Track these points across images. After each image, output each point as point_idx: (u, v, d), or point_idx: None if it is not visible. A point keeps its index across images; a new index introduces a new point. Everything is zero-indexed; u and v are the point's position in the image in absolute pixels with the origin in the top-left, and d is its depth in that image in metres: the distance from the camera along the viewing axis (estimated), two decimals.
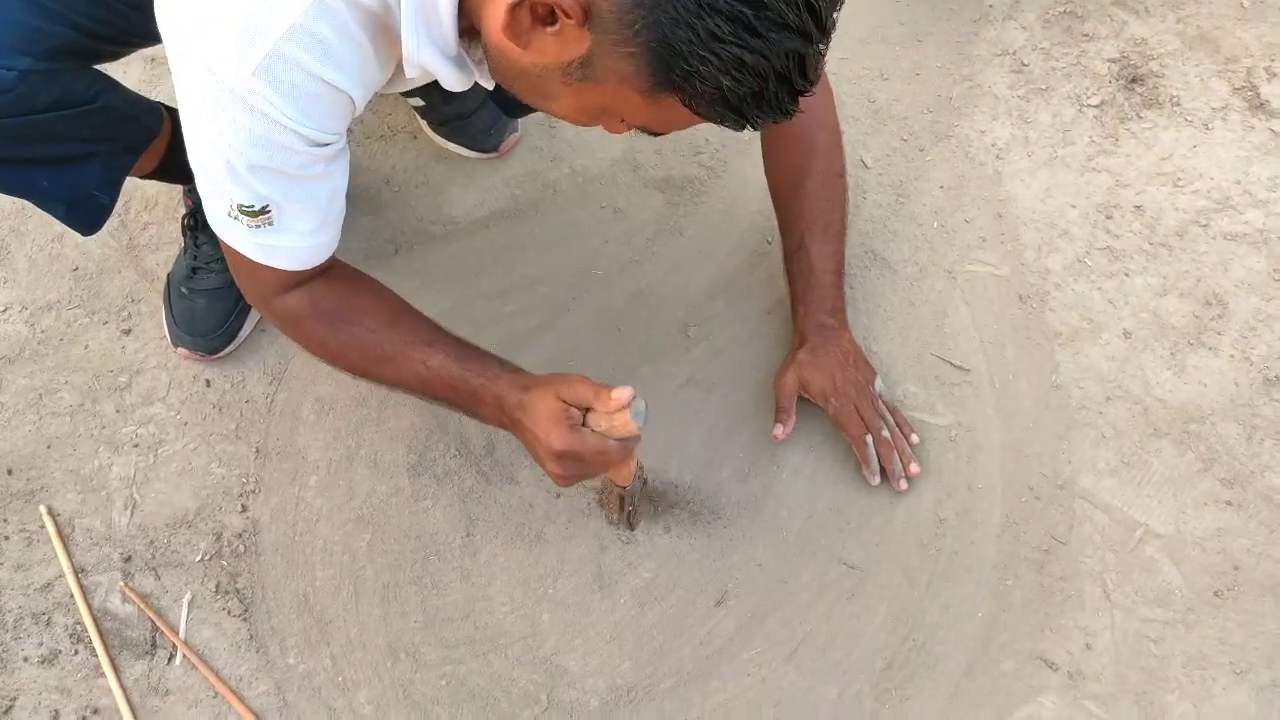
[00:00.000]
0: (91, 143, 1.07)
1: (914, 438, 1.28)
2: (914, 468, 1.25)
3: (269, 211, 0.92)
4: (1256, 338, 1.36)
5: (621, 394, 0.94)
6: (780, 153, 1.27)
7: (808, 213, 1.26)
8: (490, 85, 0.93)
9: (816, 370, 1.25)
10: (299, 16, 0.80)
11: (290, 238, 0.96)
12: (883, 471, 1.25)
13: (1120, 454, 1.29)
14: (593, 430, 0.95)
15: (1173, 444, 1.29)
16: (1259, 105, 1.54)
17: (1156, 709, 1.15)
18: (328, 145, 0.91)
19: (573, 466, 0.97)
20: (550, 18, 0.76)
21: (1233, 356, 1.35)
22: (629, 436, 0.95)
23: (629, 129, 0.87)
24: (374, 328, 1.05)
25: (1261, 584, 1.21)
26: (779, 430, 1.26)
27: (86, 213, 1.13)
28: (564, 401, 0.96)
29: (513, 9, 0.76)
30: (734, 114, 0.77)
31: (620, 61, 0.76)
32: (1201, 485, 1.27)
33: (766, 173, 1.30)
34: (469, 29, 0.86)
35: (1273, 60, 1.57)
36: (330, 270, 1.05)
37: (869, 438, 1.25)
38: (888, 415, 1.27)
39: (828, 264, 1.27)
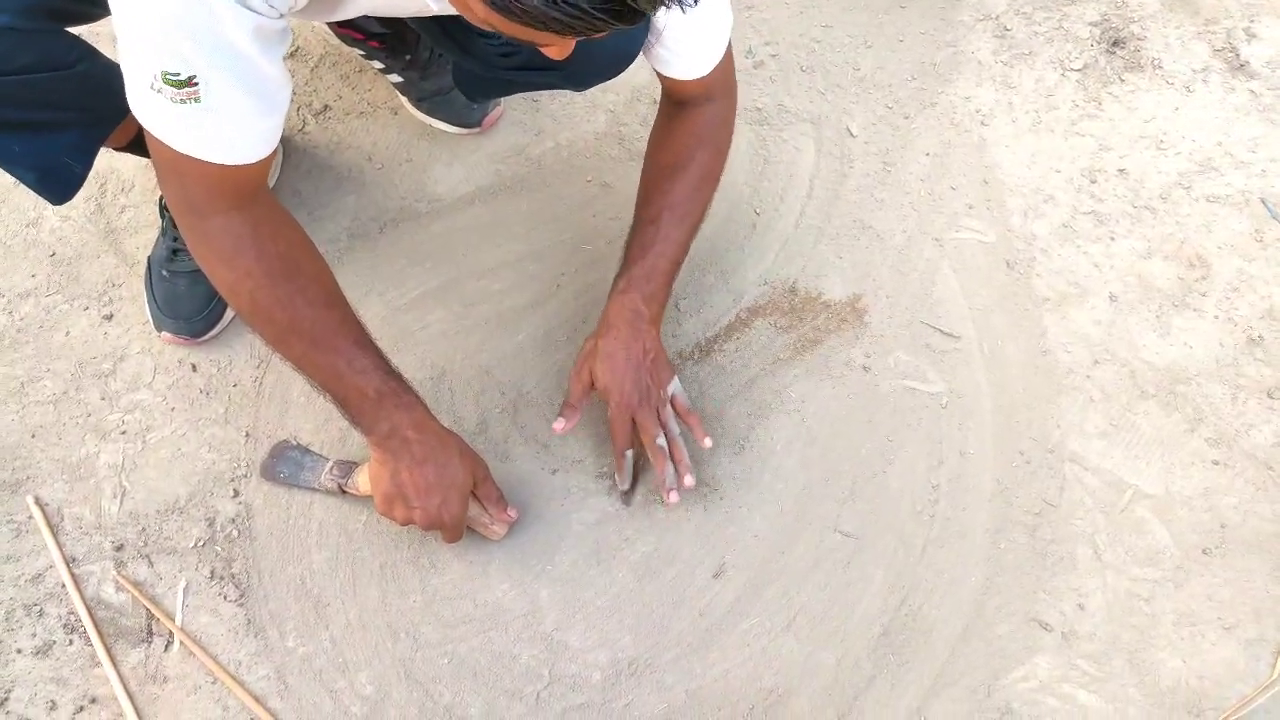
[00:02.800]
0: (67, 110, 1.04)
1: (707, 442, 1.22)
2: (688, 480, 1.20)
3: (196, 84, 0.84)
4: (1240, 298, 1.38)
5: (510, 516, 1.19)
6: (671, 135, 1.22)
7: (674, 195, 1.20)
8: (440, 9, 0.88)
9: (609, 367, 1.18)
10: None
11: (220, 121, 0.87)
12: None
13: (1109, 417, 1.30)
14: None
15: (1160, 405, 1.31)
16: (1239, 66, 1.54)
17: (1148, 665, 1.17)
18: (260, 15, 0.84)
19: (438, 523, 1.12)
20: None
21: (1217, 317, 1.37)
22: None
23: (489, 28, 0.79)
24: (313, 299, 1.01)
25: (1248, 541, 1.23)
26: (560, 424, 1.21)
27: (58, 181, 1.10)
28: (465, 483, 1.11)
29: None
30: (538, 23, 0.71)
31: None
32: (1189, 445, 1.29)
33: (650, 147, 1.25)
34: None
35: (1252, 21, 1.57)
36: (274, 205, 0.99)
37: (630, 452, 1.21)
38: (671, 424, 1.21)
39: (670, 250, 1.20)
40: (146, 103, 0.87)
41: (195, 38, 0.82)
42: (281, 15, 0.87)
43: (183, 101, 0.85)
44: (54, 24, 0.98)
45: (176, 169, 0.92)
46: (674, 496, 1.20)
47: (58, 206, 1.18)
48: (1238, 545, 1.23)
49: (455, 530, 1.14)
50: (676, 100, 1.21)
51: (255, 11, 0.84)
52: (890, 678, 1.16)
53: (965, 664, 1.17)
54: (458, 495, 1.11)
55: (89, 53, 1.04)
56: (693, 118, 1.21)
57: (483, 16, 0.76)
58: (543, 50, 0.84)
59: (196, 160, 0.90)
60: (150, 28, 0.82)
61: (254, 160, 0.93)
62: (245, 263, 0.97)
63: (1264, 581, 1.21)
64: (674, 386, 1.23)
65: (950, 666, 1.17)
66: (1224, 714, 1.14)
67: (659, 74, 1.16)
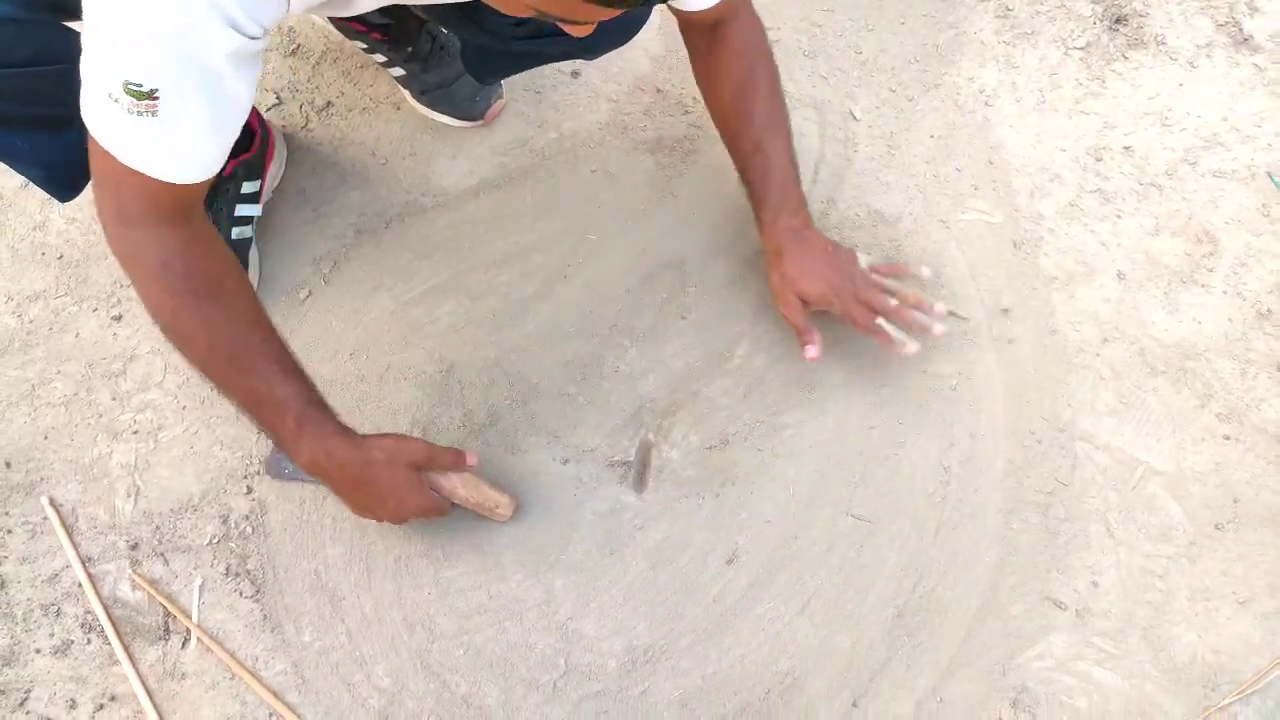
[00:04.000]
0: (70, 105, 1.04)
1: (925, 271, 1.29)
2: (939, 307, 1.25)
3: (156, 98, 0.83)
4: (1248, 273, 1.37)
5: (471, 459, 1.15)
6: (724, 58, 1.24)
7: (760, 114, 1.24)
8: None
9: (807, 280, 1.23)
10: None
11: (174, 137, 0.86)
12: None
13: (1119, 394, 1.30)
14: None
15: (1170, 382, 1.31)
16: (1243, 40, 1.54)
17: (1164, 641, 1.17)
18: (245, 36, 0.83)
19: (412, 516, 1.14)
20: None
21: (1225, 293, 1.36)
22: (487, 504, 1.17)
23: (532, 11, 0.80)
24: (234, 319, 0.99)
25: (1261, 515, 1.23)
26: (811, 351, 1.24)
27: (65, 178, 1.10)
28: (414, 471, 1.11)
29: None
30: None
31: None
32: (1199, 421, 1.28)
33: (706, 80, 1.27)
34: None
35: None
36: (204, 224, 0.97)
37: (879, 321, 1.23)
38: (887, 283, 1.26)
39: (785, 160, 1.25)
40: (100, 111, 0.85)
41: (170, 51, 0.81)
42: (266, 34, 0.86)
43: (139, 114, 0.84)
44: (53, 16, 0.98)
45: (116, 179, 0.90)
46: (938, 328, 1.24)
47: (64, 204, 1.17)
48: (1250, 520, 1.23)
49: (427, 514, 1.15)
50: (703, 34, 1.24)
51: (241, 33, 0.83)
52: (906, 659, 1.16)
53: (981, 644, 1.17)
54: (403, 495, 1.11)
55: None
56: (727, 42, 1.22)
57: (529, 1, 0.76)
58: (566, 28, 0.83)
59: (140, 174, 0.88)
60: (124, 35, 0.81)
61: (197, 180, 0.91)
62: (171, 281, 0.95)
63: (1277, 555, 1.21)
64: (863, 258, 1.27)
65: (966, 647, 1.17)
66: (1240, 687, 1.14)
67: (677, 12, 1.18)
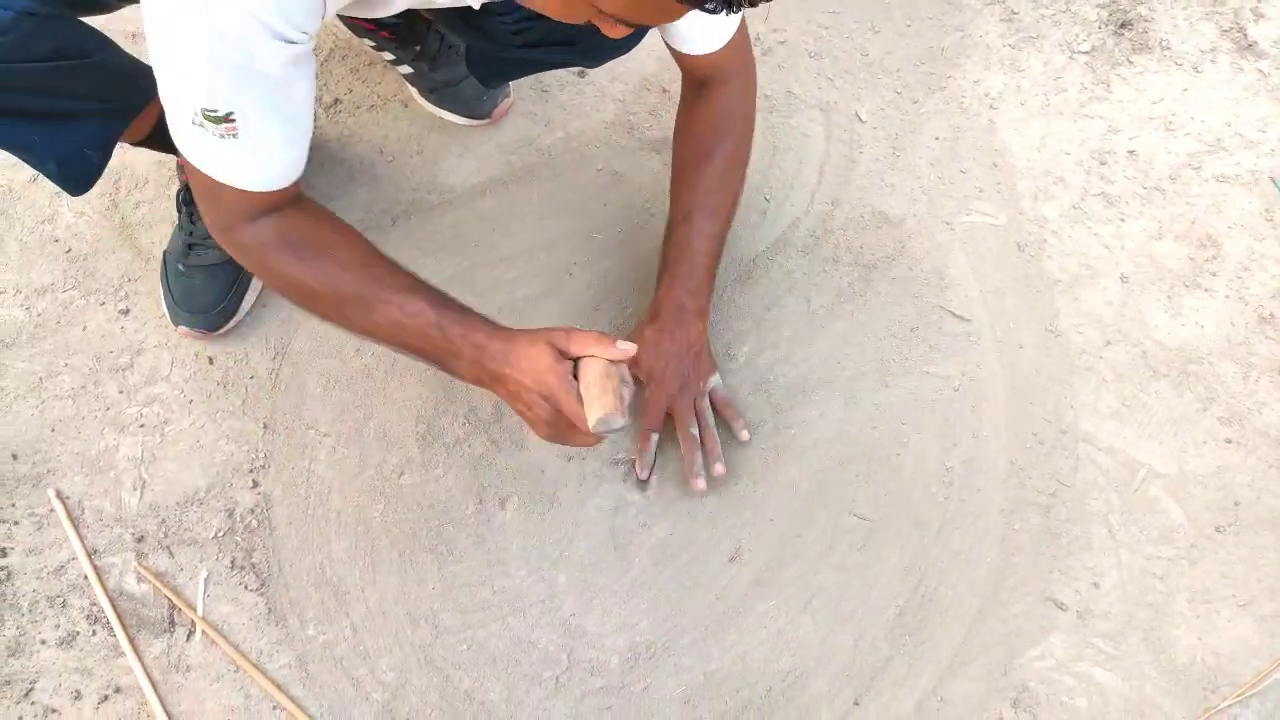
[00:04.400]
0: (86, 100, 1.05)
1: (744, 434, 1.25)
2: (718, 468, 1.22)
3: (234, 120, 0.88)
4: (1251, 277, 1.38)
5: (627, 348, 0.97)
6: (694, 126, 1.25)
7: (702, 190, 1.23)
8: (477, 5, 0.91)
9: (654, 352, 1.22)
10: None
11: (257, 152, 0.92)
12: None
13: (1121, 397, 1.31)
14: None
15: (1172, 385, 1.31)
16: (1247, 46, 1.54)
17: (1164, 643, 1.18)
18: (294, 44, 0.86)
19: (562, 418, 0.98)
20: None
21: (1228, 297, 1.37)
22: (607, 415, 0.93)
23: (605, 19, 0.84)
24: (347, 265, 1.01)
25: (1262, 518, 1.24)
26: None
27: (78, 172, 1.10)
28: (555, 354, 0.97)
29: None
30: None
31: None
32: (1201, 424, 1.29)
33: (676, 133, 1.27)
34: None
35: (1260, 1, 1.57)
36: (300, 201, 1.01)
37: (655, 436, 1.23)
38: (707, 414, 1.24)
39: (707, 245, 1.23)
40: (188, 136, 0.91)
41: (232, 74, 0.86)
42: (310, 36, 0.89)
43: (222, 136, 0.89)
44: (71, 11, 0.99)
45: (214, 194, 0.95)
46: (700, 484, 1.22)
47: (76, 197, 1.18)
48: (1251, 523, 1.23)
49: (563, 394, 0.98)
50: (694, 82, 1.23)
51: (290, 42, 0.86)
52: (907, 658, 1.17)
53: (981, 644, 1.18)
54: (552, 393, 0.98)
55: (105, 43, 1.05)
56: (712, 104, 1.22)
57: (621, 7, 0.79)
58: (604, 29, 0.85)
59: (234, 188, 0.94)
60: (188, 65, 0.85)
61: (286, 185, 0.97)
62: (280, 257, 1.00)
63: (1278, 558, 1.21)
64: (714, 380, 1.26)
65: (967, 646, 1.17)
66: (1240, 690, 1.15)
67: (674, 51, 1.17)
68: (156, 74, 0.89)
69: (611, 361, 0.97)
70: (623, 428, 0.95)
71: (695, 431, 1.22)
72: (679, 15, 0.80)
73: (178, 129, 0.91)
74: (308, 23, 0.87)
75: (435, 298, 1.02)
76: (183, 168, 1.33)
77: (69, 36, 0.99)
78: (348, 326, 1.04)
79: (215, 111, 0.87)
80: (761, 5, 0.77)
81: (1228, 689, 1.15)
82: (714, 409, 1.25)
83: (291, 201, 1.00)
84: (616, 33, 0.86)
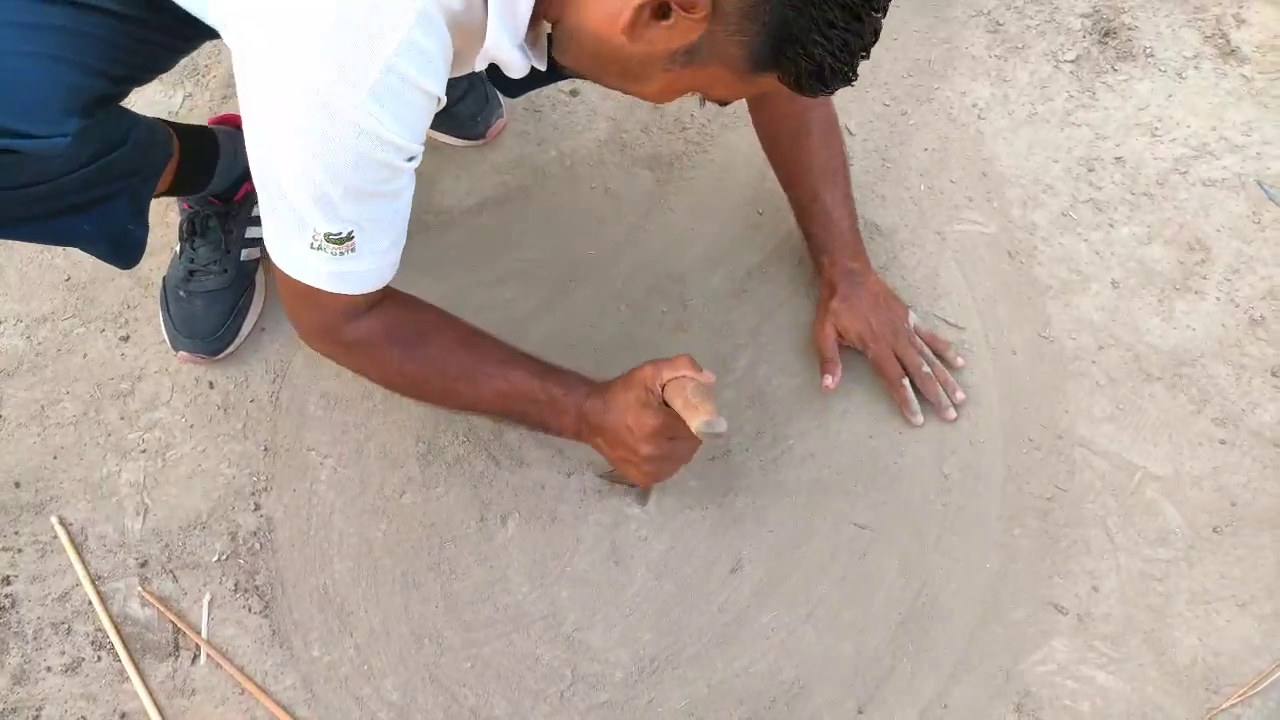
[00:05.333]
0: (121, 179, 1.07)
1: (959, 360, 1.31)
2: (959, 395, 1.29)
3: (353, 238, 0.92)
4: (1240, 279, 1.39)
5: (707, 376, 1.03)
6: (776, 110, 1.28)
7: (815, 163, 1.28)
8: (544, 67, 0.95)
9: (851, 317, 1.28)
10: (406, 31, 0.80)
11: (368, 260, 0.96)
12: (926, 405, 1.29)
13: (1115, 400, 1.32)
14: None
15: (1165, 388, 1.32)
16: (1230, 52, 1.56)
17: (1164, 644, 1.18)
18: (415, 158, 0.91)
19: (664, 446, 1.04)
20: (664, 11, 0.80)
21: (1218, 299, 1.38)
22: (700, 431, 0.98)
23: (702, 103, 0.93)
24: (449, 347, 1.07)
25: (1259, 518, 1.24)
26: (828, 380, 1.28)
27: (126, 247, 1.13)
28: (645, 388, 1.03)
29: (640, 8, 0.79)
30: (822, 86, 0.83)
31: (732, 47, 0.82)
32: (1196, 426, 1.30)
33: (761, 127, 1.31)
34: (534, 16, 0.87)
35: (1241, 7, 1.59)
36: (392, 292, 1.05)
37: (905, 380, 1.28)
38: (925, 349, 1.30)
39: (842, 210, 1.29)
40: (303, 259, 0.93)
41: (362, 199, 0.89)
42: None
43: (340, 255, 0.93)
44: (109, 110, 1.00)
45: (314, 300, 0.98)
46: (952, 413, 1.28)
47: (127, 270, 1.20)
48: (1248, 523, 1.24)
49: (689, 452, 1.12)
50: None
51: (417, 158, 0.90)
52: (910, 666, 1.17)
53: (984, 650, 1.18)
54: (656, 436, 1.05)
55: (133, 121, 1.07)
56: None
57: (735, 92, 0.89)
58: (666, 100, 0.93)
59: (338, 295, 0.97)
60: (317, 195, 0.87)
61: (383, 286, 1.01)
62: (388, 352, 1.04)
63: (1276, 558, 1.22)
64: (913, 318, 1.32)
65: (969, 653, 1.18)
66: (1241, 689, 1.15)
67: None
68: (264, 206, 0.92)
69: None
70: (724, 432, 0.98)
71: (928, 370, 1.28)
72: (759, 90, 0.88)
73: (292, 254, 0.93)
74: (424, 133, 0.91)
75: (535, 366, 1.09)
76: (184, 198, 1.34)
77: (109, 132, 1.01)
78: (456, 405, 1.11)
79: (339, 234, 0.91)
80: None
81: (1230, 689, 1.16)
82: (925, 341, 1.31)
83: (386, 294, 1.03)
84: (670, 99, 0.93)
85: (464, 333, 1.09)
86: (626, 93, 0.93)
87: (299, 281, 0.96)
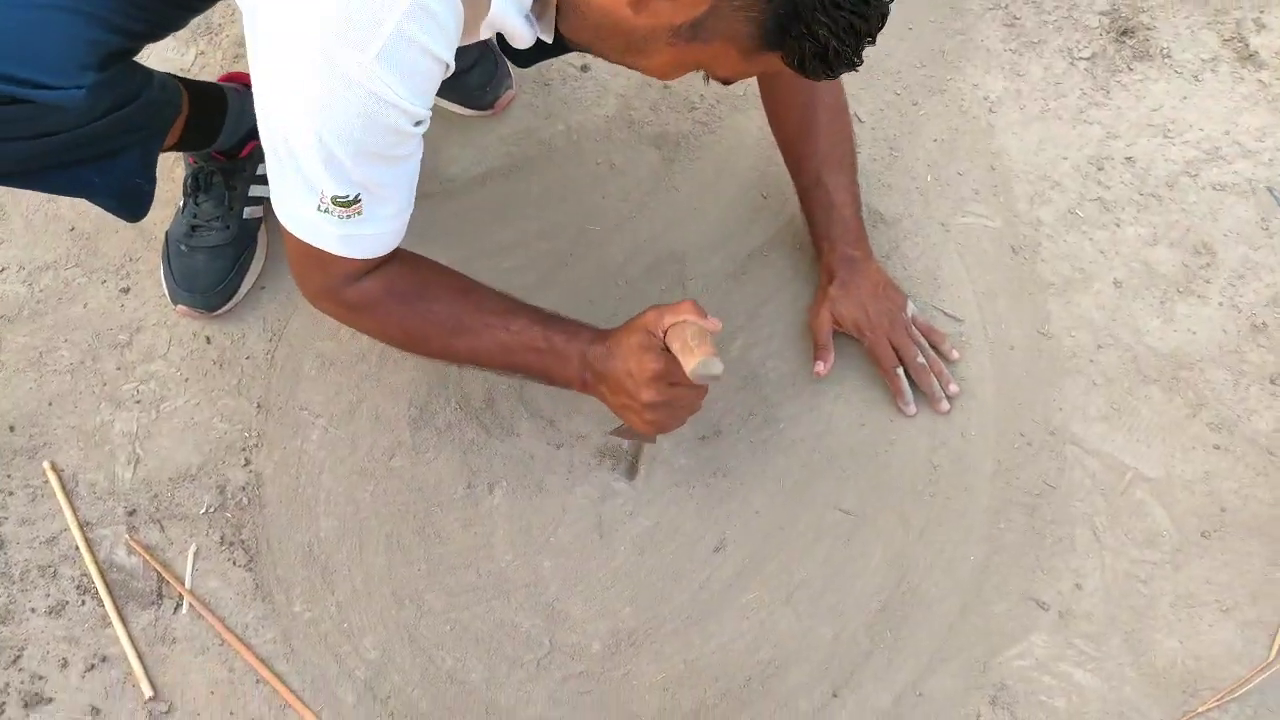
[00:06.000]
0: (132, 134, 1.08)
1: (954, 354, 1.30)
2: (953, 387, 1.28)
3: (360, 200, 0.92)
4: (1244, 285, 1.38)
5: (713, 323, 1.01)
6: (785, 92, 1.28)
7: (821, 148, 1.28)
8: (550, 39, 0.95)
9: (848, 304, 1.27)
10: None
11: (375, 224, 0.97)
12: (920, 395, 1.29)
13: (1110, 400, 1.31)
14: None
15: (1162, 390, 1.31)
16: (1248, 56, 1.55)
17: (1145, 646, 1.18)
18: (423, 123, 0.91)
19: (665, 392, 1.02)
20: None
21: (1221, 304, 1.37)
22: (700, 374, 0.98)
23: (707, 80, 0.92)
24: (450, 300, 1.07)
25: (1248, 525, 1.24)
26: (820, 367, 1.28)
27: (134, 201, 1.14)
28: (647, 331, 1.01)
29: None
30: (826, 69, 0.83)
31: (737, 24, 0.82)
32: (1190, 430, 1.29)
33: (771, 113, 1.31)
34: None
35: (1262, 12, 1.57)
36: (396, 250, 1.05)
37: (900, 370, 1.27)
38: (922, 340, 1.29)
39: (846, 196, 1.28)
40: (310, 221, 0.94)
41: (370, 162, 0.89)
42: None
43: (347, 218, 0.93)
44: (124, 62, 1.01)
45: (320, 262, 0.99)
46: (945, 405, 1.28)
47: (135, 224, 1.21)
48: (1237, 529, 1.23)
49: (694, 399, 1.07)
50: None
51: (424, 123, 0.91)
52: (887, 653, 1.17)
53: (962, 641, 1.18)
54: (656, 381, 1.02)
55: (146, 77, 1.07)
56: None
57: (738, 70, 0.88)
58: (672, 77, 0.92)
59: (344, 258, 0.98)
60: (325, 159, 0.87)
61: (394, 248, 1.02)
62: (388, 309, 1.05)
63: (1262, 565, 1.21)
64: (911, 308, 1.30)
65: (947, 643, 1.18)
66: (1219, 694, 1.15)
67: None
68: (273, 168, 0.92)
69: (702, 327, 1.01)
70: (722, 372, 0.98)
71: (923, 360, 1.27)
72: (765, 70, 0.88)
73: (298, 216, 0.94)
74: (433, 98, 0.91)
75: (537, 314, 1.09)
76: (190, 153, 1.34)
77: (122, 87, 1.01)
78: (458, 358, 1.10)
79: (346, 197, 0.91)
80: None
81: (1207, 693, 1.15)
82: (921, 332, 1.30)
83: (391, 254, 1.04)
84: (673, 77, 0.92)
85: (464, 285, 1.09)
86: (630, 67, 0.93)
87: (306, 243, 0.97)
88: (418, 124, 0.90)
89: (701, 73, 0.93)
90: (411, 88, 0.86)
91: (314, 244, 0.96)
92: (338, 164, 0.88)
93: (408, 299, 1.05)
